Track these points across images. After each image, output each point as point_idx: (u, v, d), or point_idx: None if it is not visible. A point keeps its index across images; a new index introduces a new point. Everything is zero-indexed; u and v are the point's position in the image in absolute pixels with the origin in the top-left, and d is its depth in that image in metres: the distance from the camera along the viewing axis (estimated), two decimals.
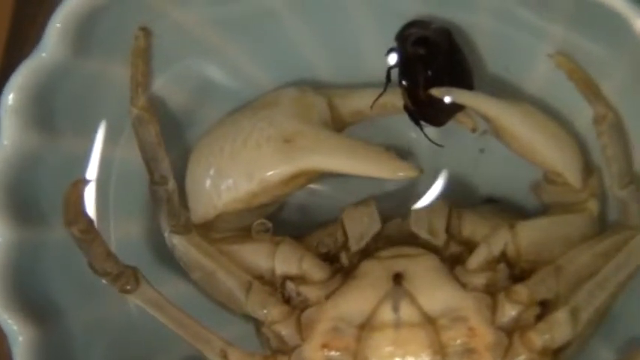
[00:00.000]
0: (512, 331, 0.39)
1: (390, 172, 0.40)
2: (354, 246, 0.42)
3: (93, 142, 0.43)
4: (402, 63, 0.41)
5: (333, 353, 0.39)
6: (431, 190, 0.44)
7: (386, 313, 0.39)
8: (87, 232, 0.38)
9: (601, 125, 0.40)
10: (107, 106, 0.43)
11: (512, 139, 0.41)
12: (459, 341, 0.39)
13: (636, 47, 0.38)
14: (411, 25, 0.41)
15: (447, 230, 0.42)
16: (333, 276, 0.41)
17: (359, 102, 0.43)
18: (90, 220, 0.39)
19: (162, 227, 0.42)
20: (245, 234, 0.42)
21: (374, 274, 0.40)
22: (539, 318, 0.39)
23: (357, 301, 0.40)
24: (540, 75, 0.42)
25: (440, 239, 0.41)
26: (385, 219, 0.42)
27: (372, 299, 0.40)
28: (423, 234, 0.41)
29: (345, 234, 0.42)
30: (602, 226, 0.42)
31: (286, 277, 0.41)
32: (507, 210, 0.44)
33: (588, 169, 0.41)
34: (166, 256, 0.42)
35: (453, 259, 0.41)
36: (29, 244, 0.41)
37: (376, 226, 0.42)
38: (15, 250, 0.41)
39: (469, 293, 0.40)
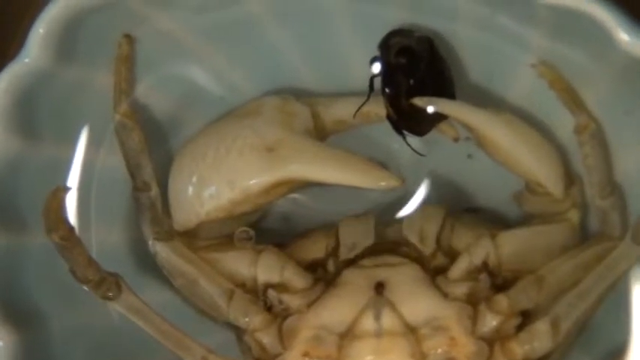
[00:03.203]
0: (493, 341, 0.39)
1: (372, 181, 0.40)
2: (344, 254, 0.42)
3: (75, 148, 0.43)
4: (384, 72, 0.41)
5: None
6: (414, 199, 0.44)
7: (367, 322, 0.39)
8: (68, 239, 0.38)
9: (582, 135, 0.40)
10: (90, 112, 0.43)
11: (494, 149, 0.41)
12: (440, 351, 0.39)
13: (618, 57, 0.38)
14: (393, 33, 0.41)
15: (437, 239, 0.42)
16: (315, 284, 0.41)
17: (342, 111, 0.43)
18: (71, 227, 0.38)
19: (144, 234, 0.42)
20: (227, 242, 0.42)
21: (356, 282, 0.40)
22: (520, 328, 0.39)
23: (338, 309, 0.40)
24: (522, 84, 0.42)
25: (428, 247, 0.41)
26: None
27: (353, 308, 0.40)
28: (413, 238, 0.41)
29: (337, 241, 0.42)
30: (584, 236, 0.42)
31: (268, 286, 0.41)
32: (489, 219, 0.44)
33: (570, 179, 0.41)
34: (149, 263, 0.42)
35: (435, 269, 0.41)
36: (11, 250, 0.41)
37: (369, 241, 0.42)
38: None
39: (450, 303, 0.40)
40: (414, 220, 0.42)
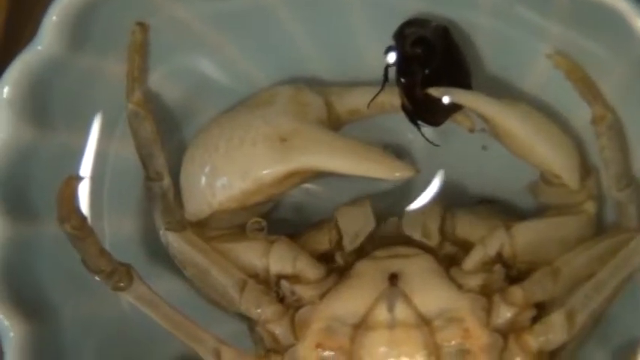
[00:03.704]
0: (507, 333, 0.39)
1: (387, 172, 0.39)
2: (349, 245, 0.41)
3: (87, 136, 0.43)
4: (399, 62, 0.40)
5: (327, 353, 0.39)
6: (428, 190, 0.44)
7: (381, 314, 0.39)
8: (80, 229, 0.38)
9: (599, 126, 0.40)
10: (102, 100, 0.43)
11: (510, 140, 0.41)
12: (453, 342, 0.39)
13: (636, 47, 0.38)
14: (409, 23, 0.41)
15: (441, 231, 0.41)
16: (328, 275, 0.41)
17: (356, 100, 0.42)
18: (83, 217, 0.38)
19: (156, 224, 0.41)
20: (240, 232, 0.42)
21: (369, 274, 0.40)
22: (535, 320, 0.39)
23: (351, 300, 0.40)
24: (539, 75, 0.42)
25: (434, 240, 0.41)
26: (381, 218, 0.42)
27: (366, 299, 0.40)
28: (417, 236, 0.41)
29: (339, 233, 0.42)
30: (600, 228, 0.42)
31: (281, 276, 0.41)
32: (504, 211, 0.44)
33: (586, 170, 0.41)
34: (161, 253, 0.42)
35: (448, 260, 0.41)
36: (22, 239, 0.41)
37: (370, 226, 0.42)
38: (8, 245, 0.41)
39: (465, 294, 0.39)
40: (415, 219, 0.42)
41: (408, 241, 0.42)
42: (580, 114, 0.41)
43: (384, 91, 0.41)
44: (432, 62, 0.40)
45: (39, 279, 0.42)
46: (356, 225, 0.42)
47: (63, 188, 0.38)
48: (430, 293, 0.39)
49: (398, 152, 0.41)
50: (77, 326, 0.42)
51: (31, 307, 0.41)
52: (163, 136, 0.42)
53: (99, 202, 0.43)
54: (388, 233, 0.42)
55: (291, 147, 0.40)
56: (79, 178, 0.38)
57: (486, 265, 0.40)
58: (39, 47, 0.40)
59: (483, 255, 0.40)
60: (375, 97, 0.42)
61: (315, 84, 0.43)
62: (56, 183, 0.38)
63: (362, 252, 0.41)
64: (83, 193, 0.43)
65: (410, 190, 0.44)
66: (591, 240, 0.41)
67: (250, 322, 0.42)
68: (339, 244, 0.42)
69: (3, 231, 0.40)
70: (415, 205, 0.44)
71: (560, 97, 0.41)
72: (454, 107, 0.41)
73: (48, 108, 0.41)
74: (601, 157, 0.40)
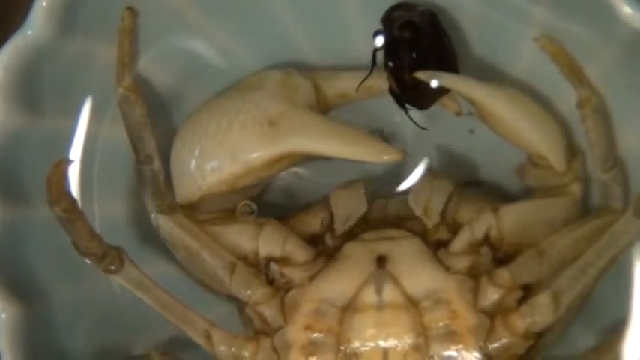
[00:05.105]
0: (494, 314, 0.39)
1: (375, 155, 0.40)
2: (340, 227, 0.42)
3: (78, 121, 0.43)
4: (387, 45, 0.41)
5: (316, 335, 0.39)
6: (415, 173, 0.44)
7: (369, 295, 0.39)
8: (70, 212, 0.39)
9: (584, 109, 0.40)
10: (92, 85, 0.43)
11: (497, 123, 0.41)
12: (441, 324, 0.39)
13: (621, 30, 0.38)
14: (397, 7, 0.41)
15: (442, 213, 0.42)
16: (317, 258, 0.41)
17: (344, 84, 0.43)
18: (73, 200, 0.39)
19: (147, 207, 0.42)
20: (229, 215, 0.42)
21: (357, 256, 0.40)
22: (522, 301, 0.39)
23: (340, 283, 0.40)
24: (525, 58, 0.42)
25: (432, 220, 0.41)
26: (369, 201, 0.42)
27: (355, 281, 0.40)
28: (418, 211, 0.41)
29: (331, 215, 0.42)
30: (585, 210, 0.42)
31: (270, 259, 0.41)
32: (491, 193, 0.44)
33: (572, 152, 0.41)
34: (151, 236, 0.42)
35: (436, 242, 0.41)
36: (14, 223, 0.41)
37: (363, 209, 0.42)
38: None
39: (452, 276, 0.40)
40: (421, 192, 0.42)
41: (396, 224, 0.42)
42: (566, 97, 0.41)
43: (373, 74, 0.42)
44: (419, 46, 0.40)
45: (30, 262, 0.42)
46: (348, 208, 0.42)
47: (53, 171, 0.38)
48: (418, 275, 0.40)
49: (386, 136, 0.42)
50: (68, 308, 0.42)
51: (23, 289, 0.41)
52: (153, 119, 0.42)
53: (89, 185, 0.43)
54: (376, 215, 0.42)
55: (280, 131, 0.40)
56: (69, 162, 0.38)
57: (474, 247, 0.40)
58: (29, 32, 0.40)
59: (470, 237, 0.40)
60: (363, 81, 0.42)
61: (304, 68, 0.43)
62: (47, 167, 0.38)
63: (351, 234, 0.42)
64: (73, 176, 0.43)
65: (398, 173, 0.44)
66: (577, 222, 0.41)
67: (240, 304, 0.42)
68: (330, 225, 0.42)
69: None
70: (406, 185, 0.44)
71: (546, 81, 0.42)
72: (441, 91, 0.41)
73: (38, 92, 0.42)
74: (586, 140, 0.41)
